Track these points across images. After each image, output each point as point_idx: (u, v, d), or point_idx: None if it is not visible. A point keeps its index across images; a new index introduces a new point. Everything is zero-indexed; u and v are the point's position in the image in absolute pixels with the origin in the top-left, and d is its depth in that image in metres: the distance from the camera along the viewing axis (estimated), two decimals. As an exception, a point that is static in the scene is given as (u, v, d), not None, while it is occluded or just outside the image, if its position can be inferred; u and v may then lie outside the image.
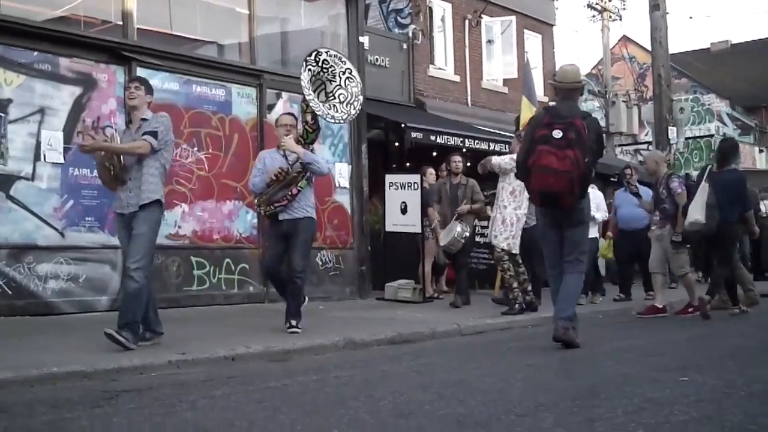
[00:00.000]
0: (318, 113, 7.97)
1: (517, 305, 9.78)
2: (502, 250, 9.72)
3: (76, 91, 9.89)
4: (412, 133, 13.62)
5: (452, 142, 14.37)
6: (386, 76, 15.80)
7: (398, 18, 17.08)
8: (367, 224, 13.13)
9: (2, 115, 9.25)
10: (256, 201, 8.33)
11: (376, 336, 7.76)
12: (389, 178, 12.58)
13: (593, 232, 12.09)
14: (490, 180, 10.87)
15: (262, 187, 8.02)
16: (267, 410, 4.35)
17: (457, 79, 18.23)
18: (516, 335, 8.57)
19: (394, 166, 14.76)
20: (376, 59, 15.55)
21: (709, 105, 33.01)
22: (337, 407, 4.37)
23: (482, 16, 18.75)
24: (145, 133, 6.78)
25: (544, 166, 6.70)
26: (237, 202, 11.35)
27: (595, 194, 12.17)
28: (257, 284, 11.41)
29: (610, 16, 24.03)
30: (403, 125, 13.77)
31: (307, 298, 8.40)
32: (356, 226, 12.94)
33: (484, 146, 15.05)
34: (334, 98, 8.24)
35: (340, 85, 8.34)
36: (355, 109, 8.37)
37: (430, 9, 17.77)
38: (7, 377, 5.32)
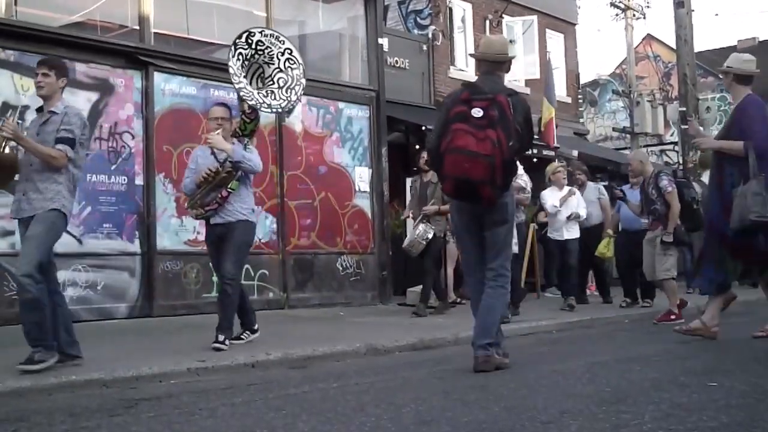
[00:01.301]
0: (251, 103, 7.26)
1: (509, 312, 9.24)
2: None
3: (93, 96, 9.97)
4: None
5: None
6: (406, 78, 15.81)
7: (418, 19, 17.10)
8: (387, 229, 13.14)
9: (19, 122, 9.30)
10: (186, 204, 7.76)
11: (398, 342, 7.75)
12: (410, 181, 12.58)
13: (578, 232, 12.05)
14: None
15: (192, 188, 7.44)
16: (287, 418, 4.35)
17: (478, 80, 18.20)
18: (539, 340, 8.54)
19: (415, 169, 14.75)
20: (396, 61, 15.57)
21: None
22: (357, 414, 4.36)
23: (503, 15, 18.74)
24: (58, 140, 6.04)
25: (460, 148, 5.63)
26: (256, 208, 11.37)
27: (573, 190, 12.20)
28: (277, 290, 11.44)
29: (634, 15, 23.93)
30: (423, 128, 13.77)
31: (258, 332, 7.63)
32: (377, 231, 12.95)
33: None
34: (273, 83, 7.43)
35: (279, 68, 7.50)
36: (296, 94, 7.54)
37: (450, 9, 17.78)
38: (25, 385, 5.36)
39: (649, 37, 32.55)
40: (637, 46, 27.05)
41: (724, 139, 7.31)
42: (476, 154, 5.55)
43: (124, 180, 10.14)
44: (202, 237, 10.81)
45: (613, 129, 27.21)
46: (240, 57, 7.25)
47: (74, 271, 9.54)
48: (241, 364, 6.44)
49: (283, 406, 4.71)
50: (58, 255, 9.30)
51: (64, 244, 9.46)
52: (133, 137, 10.32)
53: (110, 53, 10.18)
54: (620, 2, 23.79)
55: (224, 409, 4.66)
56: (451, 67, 17.60)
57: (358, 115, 13.03)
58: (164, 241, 10.53)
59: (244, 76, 7.28)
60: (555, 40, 20.89)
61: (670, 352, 7.05)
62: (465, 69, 18.03)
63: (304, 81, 7.57)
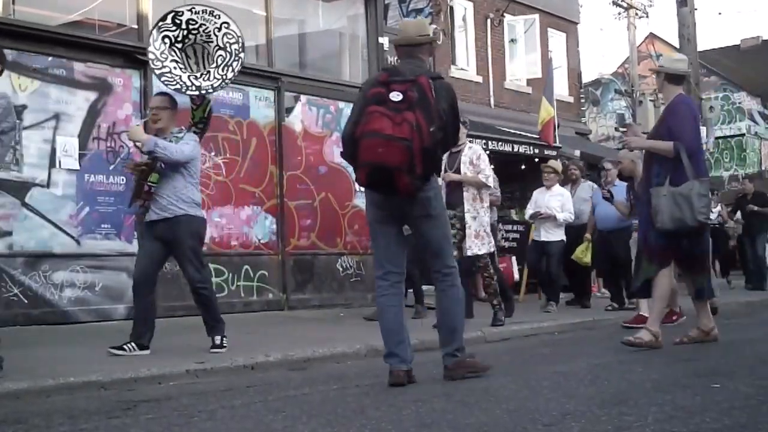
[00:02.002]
0: (173, 87, 6.79)
1: (503, 313, 9.19)
2: (487, 254, 9.04)
3: (92, 96, 9.97)
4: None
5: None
6: (406, 78, 15.77)
7: (418, 18, 17.07)
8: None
9: (17, 121, 9.33)
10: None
11: (398, 343, 7.74)
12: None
13: (559, 234, 11.87)
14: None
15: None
16: (286, 420, 4.35)
17: (479, 79, 18.23)
18: (541, 342, 8.55)
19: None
20: (397, 60, 15.55)
21: (739, 103, 32.81)
22: (358, 417, 4.36)
23: (504, 14, 18.75)
24: None
25: (375, 131, 5.12)
26: (255, 208, 11.39)
27: (560, 191, 12.06)
28: (277, 291, 11.44)
29: (637, 14, 23.94)
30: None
31: (145, 347, 6.99)
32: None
33: (507, 148, 15.03)
34: (214, 63, 6.97)
35: (218, 45, 7.02)
36: (232, 71, 7.01)
37: (451, 8, 17.80)
38: (23, 387, 5.37)
39: (652, 36, 32.57)
40: (639, 45, 27.06)
41: (654, 139, 7.28)
42: (392, 137, 5.07)
43: (123, 180, 10.13)
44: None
45: (616, 128, 27.20)
46: (167, 40, 6.76)
47: (72, 272, 9.53)
48: (240, 366, 6.44)
49: (282, 408, 4.71)
50: (55, 256, 9.40)
51: (62, 244, 9.51)
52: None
53: (108, 52, 10.17)
54: (623, 1, 23.82)
55: (223, 411, 4.66)
56: (452, 66, 17.61)
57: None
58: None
59: (180, 60, 6.80)
60: (557, 39, 20.91)
61: (672, 354, 7.04)
62: (466, 68, 18.05)
63: (242, 55, 7.10)
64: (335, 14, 14.02)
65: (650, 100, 23.25)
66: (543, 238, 11.89)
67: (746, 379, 5.40)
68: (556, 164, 12.66)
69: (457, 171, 8.93)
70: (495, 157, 14.39)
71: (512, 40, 19.24)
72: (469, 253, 8.80)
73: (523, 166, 16.26)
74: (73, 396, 5.38)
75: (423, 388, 5.36)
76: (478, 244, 8.84)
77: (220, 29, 6.97)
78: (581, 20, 22.56)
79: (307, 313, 11.20)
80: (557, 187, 12.12)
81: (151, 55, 6.74)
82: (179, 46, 6.82)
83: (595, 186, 12.75)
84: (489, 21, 18.55)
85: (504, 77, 18.90)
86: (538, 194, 12.24)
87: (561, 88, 20.11)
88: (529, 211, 12.18)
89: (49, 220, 9.45)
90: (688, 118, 7.14)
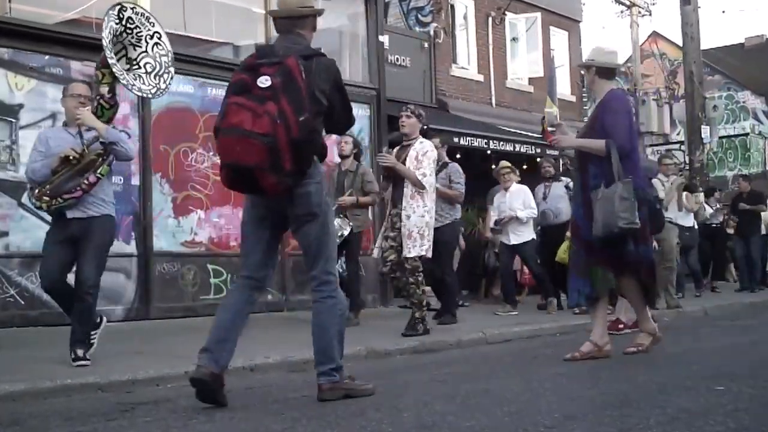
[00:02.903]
0: (123, 83, 6.44)
1: (422, 326, 8.41)
2: (419, 257, 8.33)
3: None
4: (435, 135, 13.60)
5: (476, 144, 14.38)
6: (407, 76, 15.81)
7: (419, 16, 17.09)
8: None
9: (13, 120, 9.34)
10: (33, 193, 6.50)
11: (399, 345, 7.76)
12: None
13: (528, 233, 11.44)
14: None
15: (45, 173, 6.36)
16: (286, 422, 4.35)
17: (480, 78, 18.22)
18: (543, 343, 8.55)
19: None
20: (397, 59, 15.57)
21: (743, 102, 32.81)
22: (358, 419, 4.36)
23: (506, 13, 18.73)
24: None
25: (232, 126, 4.59)
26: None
27: (518, 188, 11.57)
28: (276, 292, 11.44)
29: (639, 12, 23.93)
30: (425, 127, 13.75)
31: (104, 320, 6.99)
32: (377, 232, 12.93)
33: (509, 148, 15.03)
34: (139, 68, 6.66)
35: (146, 51, 6.75)
36: (165, 83, 6.79)
37: (452, 6, 17.78)
38: (20, 389, 5.37)
39: (655, 35, 32.55)
40: (642, 44, 27.05)
41: (586, 137, 6.84)
42: (249, 133, 4.49)
43: (120, 180, 10.13)
44: (199, 238, 10.87)
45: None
46: (111, 30, 6.43)
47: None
48: (239, 368, 6.43)
49: (282, 411, 4.72)
50: (52, 256, 9.39)
51: (59, 245, 9.50)
52: (129, 137, 10.22)
53: (106, 51, 10.17)
54: (625, -1, 23.82)
55: (222, 414, 4.66)
56: (453, 65, 17.60)
57: (358, 114, 12.88)
58: (161, 242, 10.54)
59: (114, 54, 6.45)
60: (559, 38, 20.88)
61: (676, 356, 7.06)
62: (467, 67, 18.04)
63: (172, 70, 6.87)
64: (335, 12, 14.01)
65: (653, 99, 23.28)
66: (513, 242, 11.46)
67: (750, 381, 5.40)
68: (507, 163, 12.15)
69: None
70: (496, 157, 14.42)
71: (514, 39, 19.21)
72: (404, 254, 8.25)
73: (524, 166, 16.26)
74: (70, 398, 5.38)
75: (424, 390, 5.37)
76: (409, 245, 8.20)
77: (152, 37, 6.74)
78: (583, 18, 22.54)
79: (307, 314, 11.13)
80: (515, 186, 11.67)
81: (104, 42, 6.36)
82: (114, 39, 6.51)
83: (571, 183, 12.59)
84: (490, 19, 18.52)
85: (505, 76, 18.87)
86: (497, 198, 11.85)
87: (563, 87, 20.09)
88: (494, 217, 11.84)
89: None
90: (623, 115, 6.72)
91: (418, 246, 8.22)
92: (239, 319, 5.05)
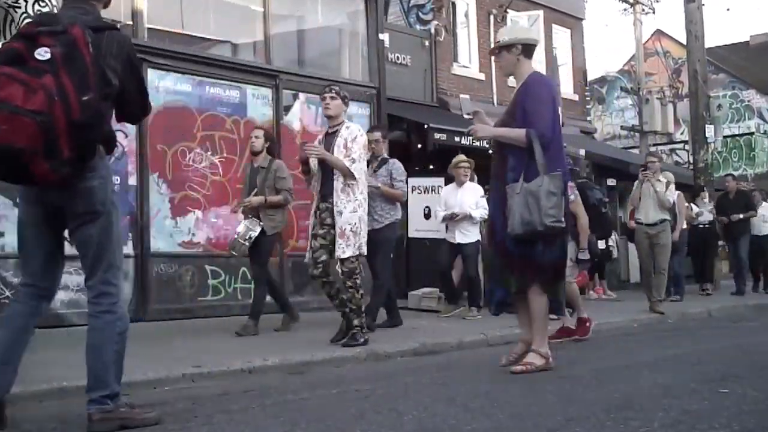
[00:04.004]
0: None
1: (363, 335, 7.76)
2: (356, 258, 7.73)
3: (85, 94, 9.95)
4: (436, 135, 13.63)
5: (478, 144, 14.35)
6: (408, 75, 15.82)
7: (420, 14, 17.10)
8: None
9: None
10: None
11: (399, 347, 7.75)
12: (411, 181, 12.51)
13: (475, 234, 11.00)
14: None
15: None
16: (285, 425, 4.36)
17: (482, 77, 18.22)
18: (546, 345, 8.53)
19: (417, 169, 14.76)
20: (397, 57, 15.58)
21: (748, 101, 32.81)
22: (358, 422, 4.37)
23: (508, 10, 18.73)
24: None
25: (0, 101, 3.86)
26: (253, 208, 11.37)
27: (472, 186, 11.20)
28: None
29: (643, 9, 23.89)
30: (425, 126, 13.78)
31: None
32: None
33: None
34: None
35: (26, 12, 6.38)
36: None
37: (453, 4, 17.79)
38: (15, 392, 5.34)
39: (659, 33, 32.55)
40: (646, 42, 27.05)
41: (505, 125, 6.26)
42: (19, 110, 3.84)
43: (117, 180, 10.12)
44: (197, 239, 10.87)
45: (622, 127, 27.21)
46: None
47: (65, 274, 9.39)
48: (237, 370, 6.44)
49: (281, 413, 4.72)
50: (49, 257, 9.39)
51: (56, 246, 9.50)
52: (126, 136, 10.32)
53: (103, 49, 10.17)
54: (629, -4, 23.80)
55: (220, 417, 4.66)
56: (454, 63, 17.61)
57: (358, 113, 13.02)
58: (158, 243, 10.53)
59: None
60: (561, 36, 20.89)
61: (679, 358, 7.05)
62: (468, 65, 18.05)
63: None
64: (335, 10, 14.03)
65: (657, 98, 23.26)
66: (458, 240, 11.00)
67: (755, 383, 5.41)
68: (464, 157, 11.68)
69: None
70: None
71: (515, 37, 19.23)
72: (338, 255, 7.63)
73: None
74: (66, 401, 5.37)
75: (425, 393, 5.37)
76: (342, 245, 7.57)
77: None
78: (586, 16, 22.56)
79: (306, 315, 11.18)
80: (469, 183, 11.24)
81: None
82: None
83: (478, 188, 12.20)
84: (492, 17, 18.52)
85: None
86: (448, 192, 11.35)
87: (566, 86, 20.09)
88: (440, 213, 11.20)
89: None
90: (547, 102, 6.14)
91: (353, 245, 7.61)
92: (21, 335, 4.44)
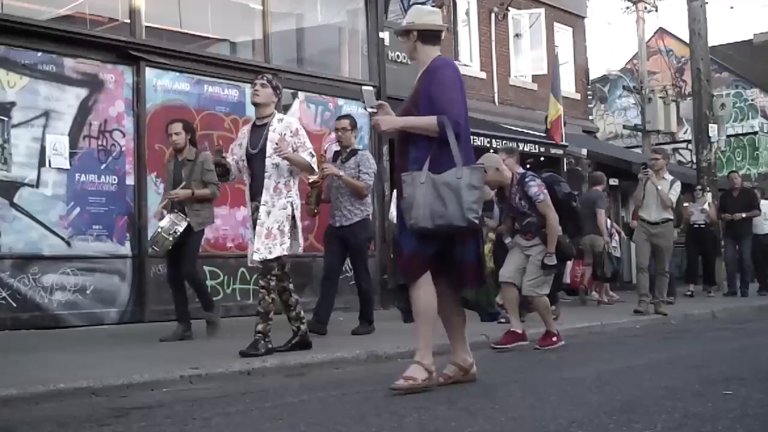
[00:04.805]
0: None
1: (263, 344, 7.12)
2: (275, 259, 7.17)
3: (82, 92, 9.98)
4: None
5: (479, 143, 14.35)
6: (408, 74, 15.65)
7: (420, 12, 17.06)
8: (389, 231, 13.12)
9: (5, 118, 9.33)
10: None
11: (400, 348, 7.73)
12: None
13: None
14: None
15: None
16: (284, 428, 4.35)
17: (483, 75, 18.22)
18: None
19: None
20: (397, 56, 15.51)
21: (752, 100, 32.77)
22: (358, 424, 4.36)
23: (509, 8, 18.74)
24: None
25: None
26: (252, 208, 11.37)
27: None
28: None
29: (646, 7, 23.90)
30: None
31: None
32: (377, 233, 12.93)
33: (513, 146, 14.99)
34: None
35: None
36: None
37: (454, 2, 17.79)
38: (12, 394, 5.35)
39: (662, 31, 32.53)
40: (648, 41, 27.03)
41: (408, 114, 5.73)
42: None
43: (115, 180, 10.14)
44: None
45: (624, 126, 27.20)
46: None
47: (62, 275, 9.53)
48: (236, 372, 6.43)
49: (280, 416, 4.71)
50: (45, 258, 9.40)
51: (52, 246, 9.52)
52: (124, 135, 10.33)
53: (100, 48, 10.18)
54: (631, -6, 23.80)
55: (219, 419, 4.65)
56: (455, 62, 17.59)
57: (358, 112, 13.01)
58: (156, 243, 10.51)
59: None
60: (563, 34, 20.89)
61: (683, 360, 7.04)
62: (470, 64, 18.04)
63: None
64: (334, 8, 14.03)
65: (660, 97, 23.26)
66: None
67: (760, 385, 5.40)
68: None
69: (263, 150, 7.20)
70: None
71: (517, 35, 19.22)
72: (255, 257, 7.14)
73: (528, 165, 16.26)
74: (63, 403, 5.37)
75: (425, 395, 5.35)
76: (269, 245, 7.08)
77: None
78: (588, 14, 22.57)
79: (308, 316, 11.19)
80: None
81: None
82: None
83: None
84: (493, 15, 18.52)
85: (508, 73, 18.87)
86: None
87: (567, 85, 20.10)
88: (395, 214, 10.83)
89: (38, 221, 9.46)
90: (455, 87, 5.70)
91: (279, 245, 7.13)
92: None
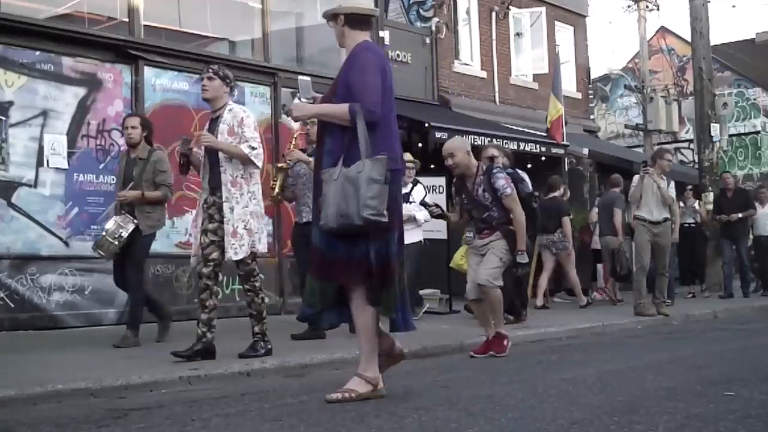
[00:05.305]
0: None
1: (263, 344, 7.18)
2: (252, 259, 7.06)
3: (81, 92, 9.98)
4: (437, 133, 13.60)
5: (479, 143, 14.34)
6: (408, 73, 15.80)
7: (420, 11, 17.09)
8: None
9: (3, 118, 9.34)
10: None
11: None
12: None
13: (417, 235, 10.58)
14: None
15: None
16: (283, 428, 4.35)
17: (483, 75, 18.22)
18: (548, 347, 8.54)
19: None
20: (398, 55, 15.57)
21: (754, 99, 32.77)
22: (357, 425, 4.36)
23: (510, 7, 18.74)
24: None
25: None
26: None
27: (418, 187, 10.75)
28: (273, 295, 11.43)
29: (647, 6, 23.90)
30: (426, 125, 13.76)
31: None
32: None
33: (513, 146, 15.00)
34: None
35: None
36: None
37: (455, 1, 17.78)
38: (9, 395, 5.36)
39: (663, 30, 32.54)
40: (650, 39, 27.02)
41: (327, 102, 5.46)
42: None
43: (113, 180, 10.12)
44: (193, 239, 10.86)
45: (625, 126, 27.21)
46: None
47: (60, 275, 9.54)
48: (235, 373, 6.44)
49: (279, 417, 4.70)
50: (43, 258, 9.40)
51: (50, 246, 9.52)
52: (123, 135, 10.32)
53: (98, 47, 10.18)
54: (633, -7, 23.81)
55: (218, 420, 4.66)
56: (456, 61, 17.59)
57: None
58: (155, 243, 10.48)
59: None
60: (564, 33, 20.88)
61: (685, 360, 7.04)
62: (470, 63, 18.04)
63: None
64: (333, 7, 14.01)
65: (661, 97, 23.26)
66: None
67: (762, 386, 5.40)
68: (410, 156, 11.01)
69: None
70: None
71: (518, 34, 19.22)
72: (227, 257, 6.96)
73: (529, 165, 16.27)
74: (61, 404, 5.38)
75: (426, 396, 5.36)
76: (235, 246, 6.89)
77: None
78: (590, 13, 22.56)
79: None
80: (410, 185, 10.63)
81: None
82: None
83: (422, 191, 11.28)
84: (494, 14, 18.51)
85: (509, 72, 18.87)
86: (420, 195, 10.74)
87: (568, 84, 20.08)
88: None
89: (36, 221, 9.46)
90: (373, 72, 5.29)
91: (247, 245, 6.94)
92: None
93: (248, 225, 6.93)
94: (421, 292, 12.13)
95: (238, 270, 7.05)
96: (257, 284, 7.08)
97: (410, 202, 7.96)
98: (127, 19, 10.60)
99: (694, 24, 19.02)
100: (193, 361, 6.67)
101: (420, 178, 12.61)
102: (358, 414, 4.68)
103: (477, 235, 7.77)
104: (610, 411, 4.54)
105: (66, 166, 9.74)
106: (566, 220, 13.25)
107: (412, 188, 10.59)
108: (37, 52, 9.67)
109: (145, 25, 10.72)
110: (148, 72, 10.59)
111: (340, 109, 5.18)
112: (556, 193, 13.64)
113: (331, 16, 5.68)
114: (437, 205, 8.05)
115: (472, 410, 4.74)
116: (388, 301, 5.16)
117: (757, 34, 39.18)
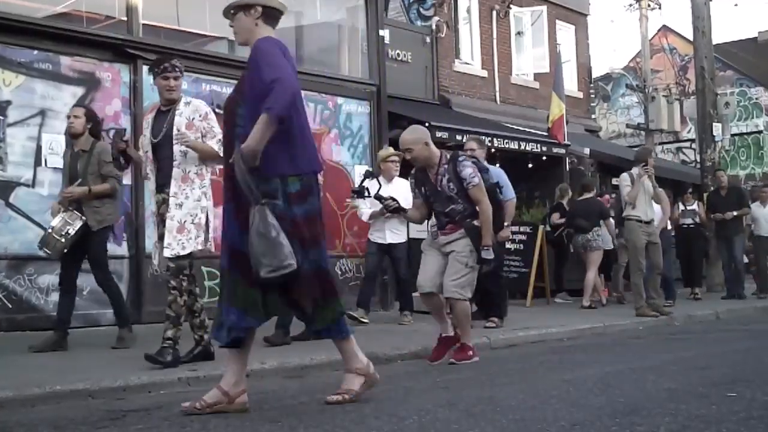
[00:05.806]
0: None
1: (171, 352, 6.66)
2: (188, 255, 6.72)
3: (79, 91, 9.97)
4: (437, 133, 13.59)
5: (480, 142, 14.36)
6: (408, 72, 15.81)
7: (420, 9, 17.09)
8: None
9: (1, 117, 9.34)
10: None
11: (400, 350, 7.74)
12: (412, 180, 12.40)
13: (404, 234, 10.55)
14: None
15: None
16: (283, 430, 4.35)
17: (484, 74, 18.22)
18: (549, 348, 8.54)
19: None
20: (398, 54, 15.57)
21: (756, 99, 32.79)
22: (357, 427, 4.36)
23: (511, 6, 18.75)
24: None
25: None
26: (250, 208, 11.36)
27: (402, 182, 10.46)
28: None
29: (649, 5, 23.92)
30: (427, 124, 13.74)
31: None
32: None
33: (514, 146, 15.02)
34: None
35: None
36: None
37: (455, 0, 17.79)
38: (7, 396, 5.36)
39: (665, 29, 32.57)
40: (652, 38, 27.05)
41: (233, 104, 5.25)
42: None
43: (112, 179, 10.13)
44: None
45: (627, 125, 27.21)
46: None
47: (59, 276, 9.52)
48: (234, 374, 6.42)
49: (278, 418, 4.70)
50: (41, 258, 9.38)
51: (48, 246, 9.49)
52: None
53: (97, 46, 10.18)
54: (634, -9, 23.82)
55: (216, 421, 4.65)
56: (456, 60, 17.60)
57: (357, 111, 13.03)
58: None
59: None
60: (565, 32, 20.89)
61: (687, 361, 7.04)
62: (471, 62, 18.04)
63: None
64: (334, 6, 14.03)
65: (663, 96, 23.26)
66: (389, 240, 10.41)
67: (765, 387, 5.40)
68: (393, 150, 10.83)
69: (168, 137, 6.62)
70: (501, 155, 14.41)
71: (519, 33, 19.23)
72: (167, 254, 6.63)
73: (530, 165, 16.28)
74: (59, 405, 5.38)
75: (426, 397, 5.36)
76: (182, 240, 6.58)
77: None
78: (591, 12, 22.57)
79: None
80: (398, 178, 10.55)
81: None
82: None
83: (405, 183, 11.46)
84: (494, 13, 18.53)
85: (510, 72, 18.89)
86: (374, 188, 10.57)
87: (570, 83, 20.08)
88: (367, 211, 10.44)
89: (34, 221, 9.45)
90: (276, 55, 5.06)
91: (194, 239, 6.62)
92: None
93: (198, 220, 6.63)
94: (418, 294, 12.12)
95: (170, 262, 6.66)
96: (184, 284, 6.73)
97: (366, 197, 7.67)
98: (125, 18, 10.59)
99: (696, 23, 19.03)
100: (187, 364, 6.65)
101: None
102: (358, 415, 4.68)
103: (439, 230, 7.34)
104: (612, 412, 4.54)
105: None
106: (610, 222, 13.48)
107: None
108: (35, 51, 9.66)
109: (143, 24, 10.71)
110: (147, 71, 10.58)
111: (262, 125, 4.83)
112: (590, 194, 13.75)
113: (245, 6, 5.26)
114: (393, 199, 7.64)
115: (473, 411, 4.74)
116: (324, 313, 5.18)
117: (759, 32, 39.18)
